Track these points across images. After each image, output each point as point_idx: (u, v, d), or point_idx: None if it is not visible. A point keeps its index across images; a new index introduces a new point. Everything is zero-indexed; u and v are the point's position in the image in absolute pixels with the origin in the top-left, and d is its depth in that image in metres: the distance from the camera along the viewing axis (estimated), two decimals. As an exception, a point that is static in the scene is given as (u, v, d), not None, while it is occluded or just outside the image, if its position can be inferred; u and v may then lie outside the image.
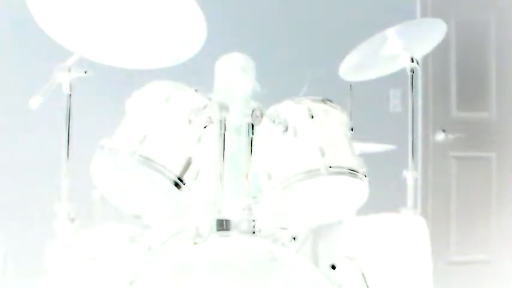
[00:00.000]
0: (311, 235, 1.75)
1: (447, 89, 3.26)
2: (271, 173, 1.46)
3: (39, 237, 1.51)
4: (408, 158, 1.81)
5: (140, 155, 1.35)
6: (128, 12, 1.59)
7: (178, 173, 1.36)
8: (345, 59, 1.87)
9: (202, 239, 1.25)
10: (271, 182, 1.45)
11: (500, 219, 3.28)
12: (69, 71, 1.43)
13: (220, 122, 1.35)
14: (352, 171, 1.46)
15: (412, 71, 1.82)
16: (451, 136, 3.18)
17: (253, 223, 1.30)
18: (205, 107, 1.39)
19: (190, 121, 1.39)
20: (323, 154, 1.44)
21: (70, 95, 1.45)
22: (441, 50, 3.18)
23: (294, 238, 1.39)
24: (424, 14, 3.15)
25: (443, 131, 3.17)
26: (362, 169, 1.49)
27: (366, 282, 1.64)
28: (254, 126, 1.35)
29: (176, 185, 1.36)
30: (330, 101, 1.57)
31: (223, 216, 1.31)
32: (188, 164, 1.37)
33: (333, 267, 1.46)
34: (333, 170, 1.44)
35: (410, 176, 1.80)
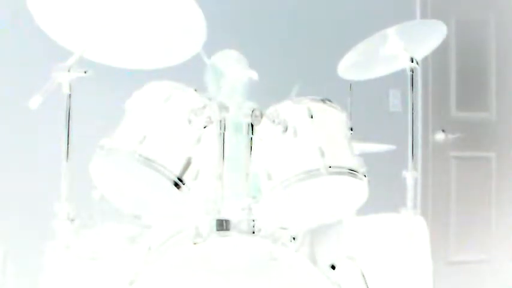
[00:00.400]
0: (310, 235, 1.75)
1: (447, 89, 3.26)
2: (271, 173, 1.46)
3: (39, 237, 1.51)
4: (408, 158, 1.81)
5: (140, 155, 1.35)
6: (128, 12, 1.59)
7: (178, 173, 1.36)
8: (344, 58, 1.87)
9: (202, 239, 1.25)
10: (271, 182, 1.45)
11: (500, 219, 3.28)
12: (69, 71, 1.43)
13: (220, 122, 1.35)
14: (352, 171, 1.46)
15: (412, 71, 1.83)
16: (450, 136, 3.18)
17: (253, 223, 1.30)
18: (204, 107, 1.39)
19: (190, 121, 1.39)
20: (323, 154, 1.44)
21: (70, 95, 1.45)
22: (441, 50, 3.17)
23: (294, 238, 1.39)
24: (424, 14, 3.15)
25: (443, 131, 3.17)
26: (362, 169, 1.49)
27: (365, 282, 1.65)
28: (254, 126, 1.35)
29: (176, 185, 1.36)
30: (330, 100, 1.57)
31: (223, 216, 1.31)
32: (188, 164, 1.37)
33: (333, 267, 1.46)
34: (333, 170, 1.44)
35: (410, 176, 1.80)
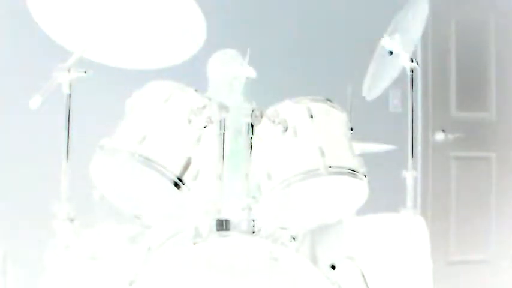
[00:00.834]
0: (310, 235, 1.75)
1: (447, 89, 3.26)
2: (271, 173, 1.46)
3: (39, 237, 1.51)
4: (408, 158, 1.81)
5: (140, 155, 1.35)
6: (128, 12, 1.59)
7: (178, 173, 1.36)
8: (364, 84, 1.89)
9: (202, 239, 1.25)
10: (271, 182, 1.45)
11: (500, 219, 3.28)
12: (68, 71, 1.43)
13: (220, 122, 1.35)
14: (352, 171, 1.46)
15: (412, 71, 1.83)
16: (450, 136, 3.18)
17: (253, 223, 1.30)
18: (204, 107, 1.39)
19: (190, 121, 1.39)
20: (323, 154, 1.44)
21: (70, 95, 1.45)
22: (441, 50, 3.20)
23: (294, 238, 1.39)
24: (424, 14, 3.15)
25: (443, 131, 3.17)
26: (362, 169, 1.49)
27: (365, 282, 1.65)
28: (254, 126, 1.35)
29: (176, 185, 1.36)
30: (330, 100, 1.57)
31: (223, 216, 1.31)
32: (188, 164, 1.37)
33: (333, 267, 1.46)
34: (333, 170, 1.44)
35: (410, 176, 1.80)
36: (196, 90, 1.46)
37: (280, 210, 1.54)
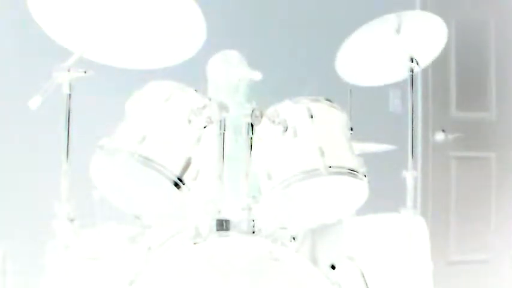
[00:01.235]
0: (310, 235, 1.75)
1: (447, 89, 3.26)
2: (271, 173, 1.46)
3: (39, 237, 1.51)
4: (408, 158, 1.81)
5: (140, 155, 1.35)
6: (128, 12, 1.59)
7: (178, 173, 1.36)
8: (340, 51, 1.86)
9: (202, 239, 1.25)
10: (271, 182, 1.45)
11: (499, 219, 3.28)
12: (68, 71, 1.43)
13: (220, 122, 1.35)
14: (352, 171, 1.46)
15: (412, 71, 1.83)
16: (450, 136, 3.18)
17: (253, 223, 1.30)
18: (204, 107, 1.39)
19: (190, 121, 1.39)
20: (322, 154, 1.44)
21: (70, 95, 1.45)
22: (441, 50, 3.19)
23: (294, 238, 1.39)
24: (424, 14, 3.15)
25: (443, 131, 3.17)
26: (362, 169, 1.49)
27: (365, 282, 1.65)
28: (254, 126, 1.35)
29: (176, 185, 1.36)
30: (330, 100, 1.57)
31: (223, 216, 1.31)
32: (188, 164, 1.38)
33: (333, 267, 1.46)
34: (333, 170, 1.44)
35: (410, 176, 1.80)
36: (196, 90, 1.46)
37: (280, 210, 1.54)
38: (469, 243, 3.22)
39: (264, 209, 1.41)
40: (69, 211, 1.42)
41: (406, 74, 1.84)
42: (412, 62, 1.82)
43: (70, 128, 1.46)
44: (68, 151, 1.45)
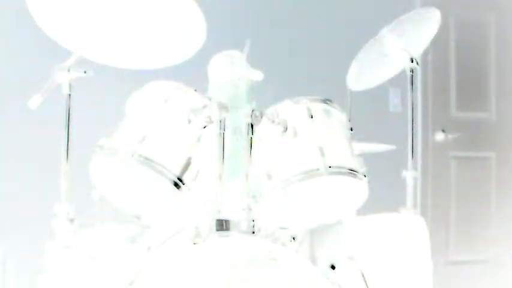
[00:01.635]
0: (310, 235, 1.75)
1: (447, 88, 3.26)
2: (271, 173, 1.46)
3: (39, 237, 1.51)
4: (408, 158, 1.81)
5: (140, 155, 1.35)
6: (128, 12, 1.59)
7: (177, 173, 1.36)
8: (349, 71, 1.88)
9: (202, 239, 1.25)
10: (271, 182, 1.45)
11: (499, 219, 3.28)
12: (68, 71, 1.43)
13: (220, 122, 1.35)
14: (352, 171, 1.46)
15: (412, 71, 1.83)
16: (450, 136, 3.18)
17: (253, 223, 1.30)
18: (204, 107, 1.39)
19: (189, 121, 1.39)
20: (322, 154, 1.44)
21: (70, 95, 1.45)
22: (441, 50, 3.19)
23: (294, 238, 1.39)
24: (424, 14, 3.15)
25: (443, 131, 3.17)
26: (362, 169, 1.49)
27: (365, 282, 1.65)
28: (254, 126, 1.35)
29: (176, 185, 1.36)
30: (330, 100, 1.57)
31: (223, 216, 1.31)
32: (188, 164, 1.38)
33: (333, 267, 1.46)
34: (333, 170, 1.44)
35: (410, 176, 1.80)
36: (196, 90, 1.46)
37: (280, 210, 1.54)
38: (469, 243, 3.22)
39: (264, 209, 1.41)
40: (68, 211, 1.42)
41: (404, 68, 1.84)
42: (412, 62, 1.82)
43: (70, 128, 1.46)
44: (67, 151, 1.45)
